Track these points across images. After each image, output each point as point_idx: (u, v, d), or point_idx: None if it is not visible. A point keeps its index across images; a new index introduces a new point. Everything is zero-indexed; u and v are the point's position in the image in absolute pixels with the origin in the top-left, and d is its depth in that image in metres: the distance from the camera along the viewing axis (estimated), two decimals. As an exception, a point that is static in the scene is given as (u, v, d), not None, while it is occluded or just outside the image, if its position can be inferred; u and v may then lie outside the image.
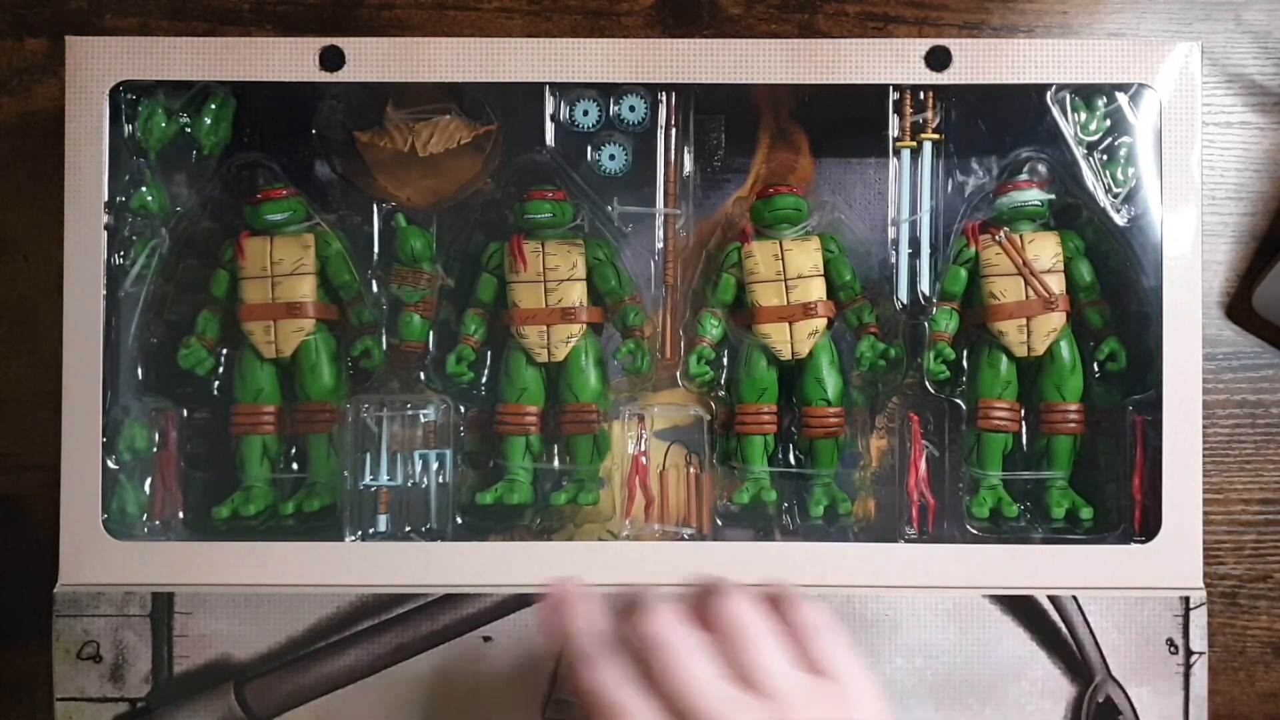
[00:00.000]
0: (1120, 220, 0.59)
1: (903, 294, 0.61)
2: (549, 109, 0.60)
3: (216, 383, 0.61)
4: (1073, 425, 0.60)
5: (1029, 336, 0.60)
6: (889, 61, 0.58)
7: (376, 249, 0.61)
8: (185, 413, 0.61)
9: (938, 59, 0.58)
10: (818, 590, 0.57)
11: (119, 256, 0.59)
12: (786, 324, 0.60)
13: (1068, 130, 0.60)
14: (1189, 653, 0.57)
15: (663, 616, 0.47)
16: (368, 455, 0.60)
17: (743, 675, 0.46)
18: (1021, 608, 0.58)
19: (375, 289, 0.61)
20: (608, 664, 0.47)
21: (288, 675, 0.57)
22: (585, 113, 0.61)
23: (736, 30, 0.65)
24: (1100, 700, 0.58)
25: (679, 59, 0.58)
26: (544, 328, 0.60)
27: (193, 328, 0.61)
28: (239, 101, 0.60)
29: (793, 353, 0.60)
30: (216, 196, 0.61)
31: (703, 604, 0.48)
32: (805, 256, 0.60)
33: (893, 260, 0.61)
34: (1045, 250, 0.60)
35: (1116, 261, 0.60)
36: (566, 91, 0.60)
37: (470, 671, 0.58)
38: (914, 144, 0.60)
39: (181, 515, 0.61)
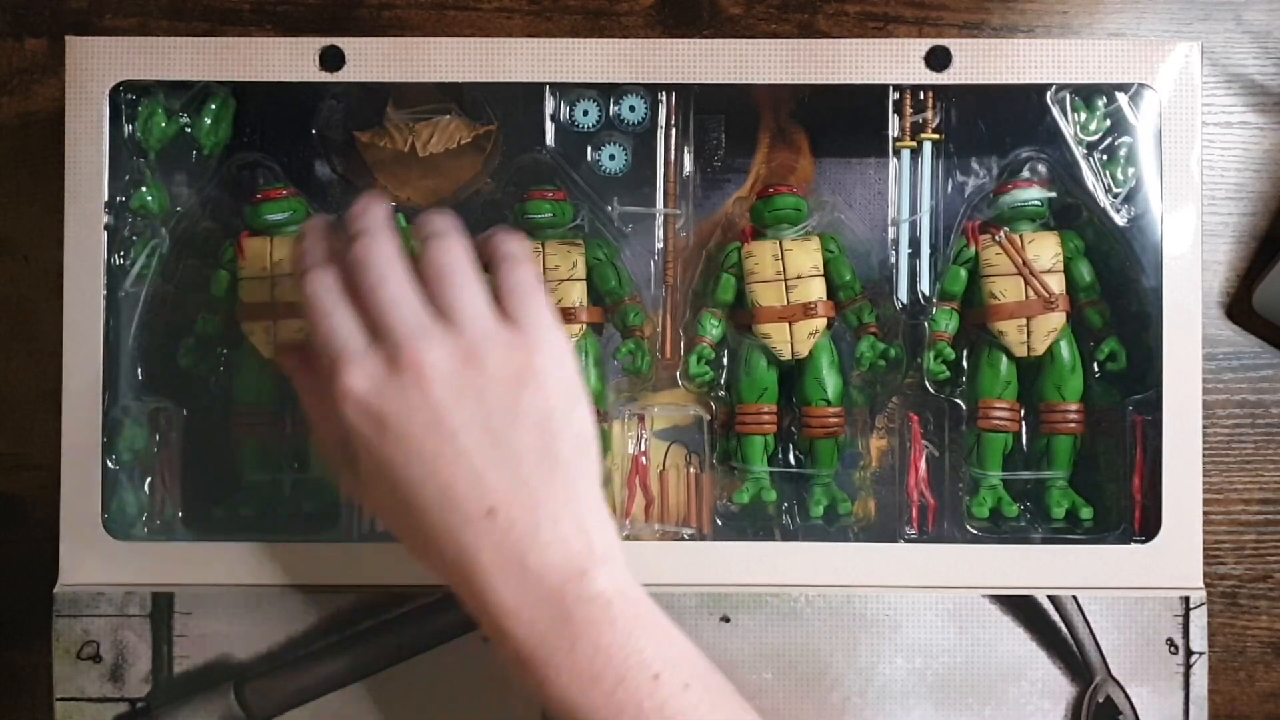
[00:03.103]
0: (1120, 220, 0.59)
1: (903, 294, 0.61)
2: (549, 109, 0.60)
3: (216, 382, 0.61)
4: (1073, 425, 0.60)
5: (1029, 336, 0.60)
6: (889, 61, 0.58)
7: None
8: (185, 413, 0.61)
9: (938, 59, 0.58)
10: (817, 590, 0.57)
11: (119, 256, 0.59)
12: (786, 324, 0.60)
13: (1068, 130, 0.60)
14: (1189, 653, 0.57)
15: (377, 241, 0.50)
16: (368, 455, 0.60)
17: (442, 310, 0.49)
18: (1021, 608, 0.58)
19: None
20: (323, 275, 0.51)
21: (288, 675, 0.57)
22: (585, 113, 0.61)
23: (736, 30, 0.65)
24: (1100, 700, 0.58)
25: (679, 59, 0.58)
26: (544, 328, 0.60)
27: (193, 328, 0.61)
28: (239, 101, 0.60)
29: (793, 353, 0.60)
30: (216, 196, 0.61)
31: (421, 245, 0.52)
32: (805, 256, 0.60)
33: (893, 260, 0.61)
34: (1045, 250, 0.60)
35: (1116, 261, 0.60)
36: (566, 91, 0.60)
37: (470, 671, 0.58)
38: (914, 144, 0.60)
39: (181, 515, 0.60)
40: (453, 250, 0.51)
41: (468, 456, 0.48)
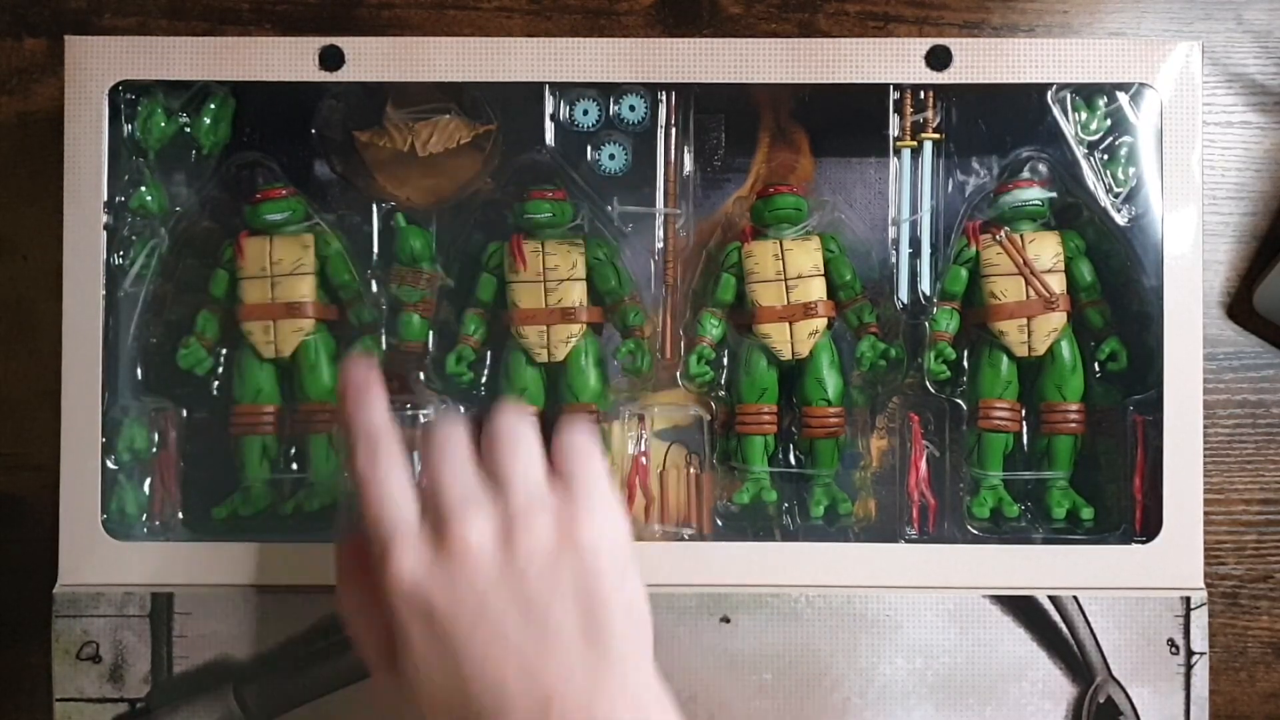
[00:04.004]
0: (1121, 220, 0.59)
1: (903, 294, 0.61)
2: (549, 109, 0.60)
3: (216, 383, 0.61)
4: (1073, 425, 0.60)
5: (1029, 336, 0.60)
6: (889, 61, 0.58)
7: (376, 249, 0.61)
8: (185, 413, 0.61)
9: (938, 58, 0.58)
10: (817, 590, 0.57)
11: (118, 256, 0.59)
12: (787, 324, 0.60)
13: (1068, 130, 0.60)
14: (1190, 653, 0.57)
15: (445, 421, 0.49)
16: (367, 455, 0.60)
17: (494, 474, 0.48)
18: (1022, 608, 0.57)
19: (375, 289, 0.61)
20: (372, 449, 0.48)
21: (287, 675, 0.57)
22: (585, 112, 0.61)
23: (736, 30, 0.65)
24: (1101, 701, 0.57)
25: (679, 59, 0.58)
26: (544, 328, 0.60)
27: (192, 328, 0.61)
28: (238, 101, 0.60)
29: (793, 353, 0.60)
30: (216, 196, 0.61)
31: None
32: (805, 256, 0.60)
33: (893, 260, 0.61)
34: (1046, 250, 0.60)
35: (1117, 261, 0.60)
36: (566, 91, 0.60)
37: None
38: (914, 144, 0.60)
39: (181, 515, 0.60)
40: (513, 418, 0.49)
41: (517, 649, 0.46)
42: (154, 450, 0.60)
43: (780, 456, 0.61)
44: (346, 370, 0.51)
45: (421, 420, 0.60)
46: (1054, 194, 0.60)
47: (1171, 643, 0.57)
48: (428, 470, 0.48)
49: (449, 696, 0.46)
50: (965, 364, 0.61)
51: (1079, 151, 0.60)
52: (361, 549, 0.49)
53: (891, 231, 0.61)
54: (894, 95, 0.60)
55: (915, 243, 0.61)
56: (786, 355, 0.60)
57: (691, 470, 0.61)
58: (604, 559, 0.47)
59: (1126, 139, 0.59)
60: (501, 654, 0.46)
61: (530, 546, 0.46)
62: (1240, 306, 0.65)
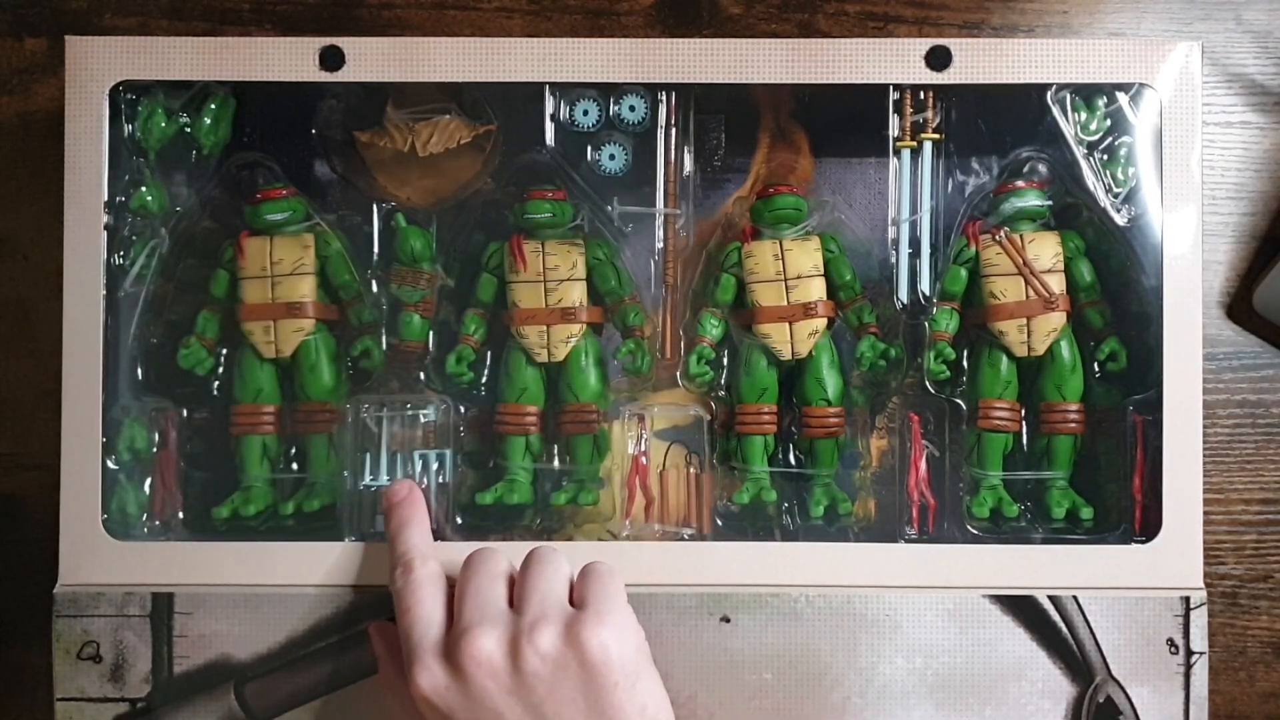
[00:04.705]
0: (1120, 220, 0.59)
1: (903, 294, 0.61)
2: (549, 109, 0.60)
3: (216, 383, 0.61)
4: (1073, 425, 0.60)
5: (1029, 336, 0.60)
6: (889, 61, 0.58)
7: (376, 249, 0.61)
8: (185, 413, 0.61)
9: (938, 59, 0.58)
10: (817, 590, 0.57)
11: (119, 256, 0.59)
12: (787, 324, 0.60)
13: (1068, 130, 0.60)
14: (1189, 653, 0.57)
15: (488, 549, 0.53)
16: (367, 455, 0.60)
17: (519, 597, 0.51)
18: (1022, 608, 0.58)
19: (375, 289, 0.61)
20: (414, 572, 0.53)
21: (288, 675, 0.57)
22: (585, 113, 0.61)
23: (736, 30, 0.65)
24: (1100, 700, 0.58)
25: (679, 59, 0.58)
26: (544, 328, 0.60)
27: (192, 328, 0.61)
28: (239, 101, 0.60)
29: (793, 353, 0.60)
30: (216, 196, 0.61)
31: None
32: (805, 256, 0.60)
33: (893, 260, 0.61)
34: (1045, 250, 0.60)
35: (1117, 261, 0.60)
36: (566, 91, 0.60)
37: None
38: (914, 144, 0.60)
39: (181, 515, 0.60)
40: (545, 550, 0.53)
41: None
42: (154, 450, 0.60)
43: (780, 456, 0.61)
44: (390, 491, 0.57)
45: (422, 420, 0.60)
46: (1052, 199, 0.60)
47: (1171, 642, 0.57)
48: (457, 592, 0.52)
49: None
50: (965, 364, 0.61)
51: (1079, 152, 0.60)
52: (398, 649, 0.53)
53: (891, 231, 0.61)
54: (894, 95, 0.60)
55: (915, 243, 0.61)
56: (786, 355, 0.60)
57: (691, 470, 0.61)
58: (613, 666, 0.49)
59: (1126, 139, 0.59)
60: None
61: (535, 657, 0.49)
62: (1240, 306, 0.65)
